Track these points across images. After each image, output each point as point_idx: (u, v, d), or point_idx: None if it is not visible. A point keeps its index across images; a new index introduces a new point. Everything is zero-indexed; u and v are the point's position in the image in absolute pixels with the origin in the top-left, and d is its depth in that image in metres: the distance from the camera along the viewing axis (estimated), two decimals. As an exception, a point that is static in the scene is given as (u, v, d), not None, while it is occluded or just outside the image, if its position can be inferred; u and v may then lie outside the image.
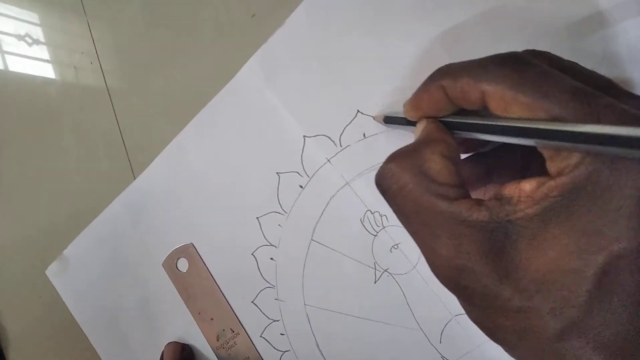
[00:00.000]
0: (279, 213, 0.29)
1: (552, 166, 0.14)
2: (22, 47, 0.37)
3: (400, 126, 0.22)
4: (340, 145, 0.27)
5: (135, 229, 0.32)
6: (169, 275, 0.32)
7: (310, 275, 0.29)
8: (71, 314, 0.34)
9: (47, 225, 0.37)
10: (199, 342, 0.32)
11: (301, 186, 0.28)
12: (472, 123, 0.17)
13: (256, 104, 0.29)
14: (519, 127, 0.15)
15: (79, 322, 0.34)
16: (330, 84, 0.27)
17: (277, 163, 0.29)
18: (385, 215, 0.27)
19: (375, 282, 0.27)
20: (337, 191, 0.27)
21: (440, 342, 0.26)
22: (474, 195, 0.17)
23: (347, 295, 0.28)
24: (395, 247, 0.27)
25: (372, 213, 0.27)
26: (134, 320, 0.33)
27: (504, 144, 0.18)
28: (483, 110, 0.17)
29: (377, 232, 0.27)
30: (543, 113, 0.14)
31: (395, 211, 0.17)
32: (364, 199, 0.27)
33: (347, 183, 0.27)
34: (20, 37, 0.37)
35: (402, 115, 0.21)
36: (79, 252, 0.34)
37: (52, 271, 0.35)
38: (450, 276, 0.16)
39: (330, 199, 0.28)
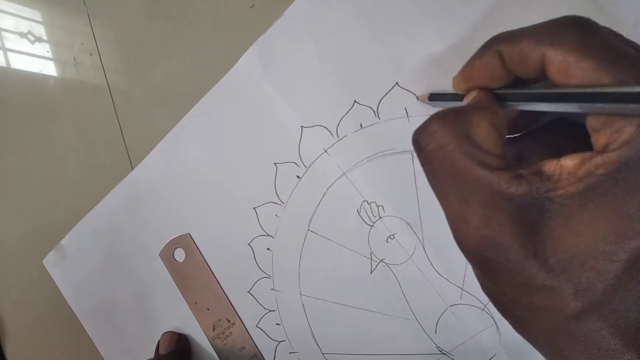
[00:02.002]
0: (276, 203, 0.29)
1: (599, 140, 0.14)
2: (23, 43, 0.37)
3: (446, 103, 0.22)
4: (337, 136, 0.27)
5: (133, 219, 0.32)
6: (165, 266, 0.32)
7: (307, 265, 0.29)
8: (68, 304, 0.34)
9: (46, 217, 0.37)
10: (195, 331, 0.32)
11: (298, 177, 0.28)
12: (526, 92, 0.17)
13: (254, 95, 0.29)
14: (581, 92, 0.14)
15: (75, 311, 0.34)
16: (327, 74, 0.27)
17: (275, 153, 0.29)
18: (381, 206, 0.27)
19: (371, 273, 0.27)
20: (334, 181, 0.28)
21: (436, 332, 0.26)
22: None
23: (343, 286, 0.28)
24: (392, 237, 0.27)
25: (368, 204, 0.27)
26: (130, 310, 0.33)
27: (542, 126, 0.17)
28: (535, 83, 0.16)
29: (374, 223, 0.27)
30: (609, 78, 0.13)
31: (427, 171, 0.17)
32: (360, 190, 0.27)
33: (344, 173, 0.27)
34: (22, 35, 0.37)
35: (450, 91, 0.21)
36: (76, 242, 0.34)
37: (49, 261, 0.35)
38: (476, 246, 0.15)
39: (327, 189, 0.28)
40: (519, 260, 0.14)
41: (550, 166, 0.14)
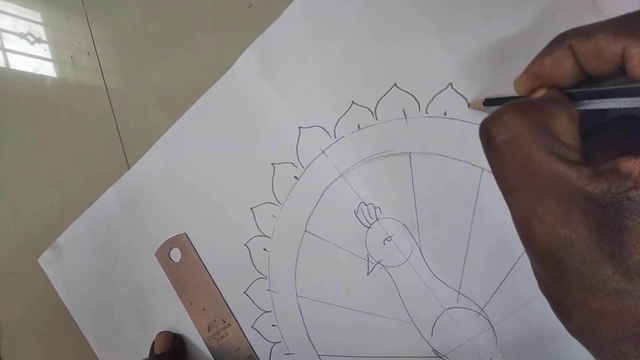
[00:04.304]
0: (273, 204, 0.29)
1: None
2: (23, 43, 0.37)
3: None
4: (335, 137, 0.27)
5: (129, 219, 0.32)
6: (161, 265, 0.32)
7: (303, 266, 0.29)
8: (63, 303, 0.34)
9: (42, 215, 0.37)
10: (190, 332, 0.31)
11: (296, 177, 0.28)
12: (602, 89, 0.16)
13: (252, 95, 0.29)
14: None
15: (70, 310, 0.34)
16: (325, 75, 0.27)
17: (272, 154, 0.29)
18: (378, 208, 0.27)
19: (367, 274, 0.27)
20: (332, 182, 0.27)
21: (432, 335, 0.26)
22: None
23: (340, 287, 0.28)
24: (389, 239, 0.26)
25: (365, 205, 0.27)
26: (125, 310, 0.33)
27: (605, 124, 0.17)
28: (602, 81, 0.16)
29: (371, 224, 0.27)
30: None
31: (496, 163, 0.16)
32: (358, 191, 0.27)
33: (342, 174, 0.27)
34: (22, 36, 0.37)
35: (508, 95, 0.19)
36: (72, 241, 0.34)
37: (44, 259, 0.35)
38: (548, 245, 0.14)
39: (325, 190, 0.28)
40: (593, 262, 0.13)
41: (628, 164, 0.13)
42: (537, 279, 0.16)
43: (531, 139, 0.15)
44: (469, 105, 0.24)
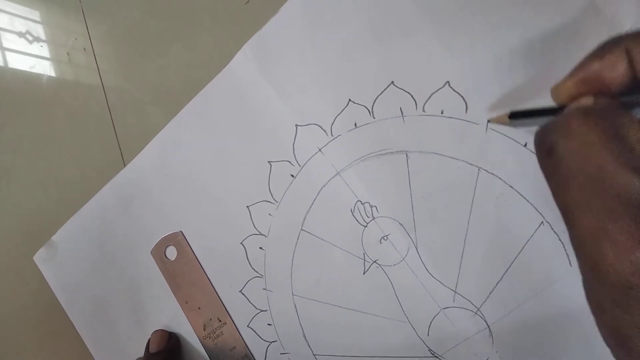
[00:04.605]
0: (269, 202, 0.29)
1: None
2: (21, 42, 0.37)
3: (536, 119, 0.19)
4: (332, 135, 0.27)
5: (125, 216, 0.32)
6: (157, 263, 0.31)
7: (299, 265, 0.28)
8: (58, 301, 0.34)
9: (37, 213, 0.36)
10: (186, 330, 0.31)
11: (292, 175, 0.28)
12: None
13: (249, 92, 0.28)
14: None
15: (65, 308, 0.34)
16: (322, 72, 0.27)
17: (269, 152, 0.28)
18: (375, 206, 0.26)
19: (364, 273, 0.27)
20: (328, 181, 0.27)
21: (428, 335, 0.26)
22: None
23: (336, 286, 0.28)
24: (385, 238, 0.26)
25: (362, 204, 0.27)
26: (120, 308, 0.33)
27: None
28: None
29: (367, 223, 0.27)
30: None
31: (557, 175, 0.14)
32: (354, 190, 0.27)
33: (338, 173, 0.27)
34: (21, 34, 0.37)
35: (539, 107, 0.18)
36: (67, 239, 0.34)
37: (39, 257, 0.34)
38: (619, 269, 0.13)
39: (321, 188, 0.27)
40: None
41: None
42: (591, 302, 0.14)
43: (604, 148, 0.13)
44: (489, 121, 0.23)
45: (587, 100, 0.16)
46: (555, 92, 0.17)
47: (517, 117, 0.20)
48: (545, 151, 0.15)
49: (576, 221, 0.14)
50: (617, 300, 0.13)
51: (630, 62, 0.15)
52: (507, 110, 0.21)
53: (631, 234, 0.13)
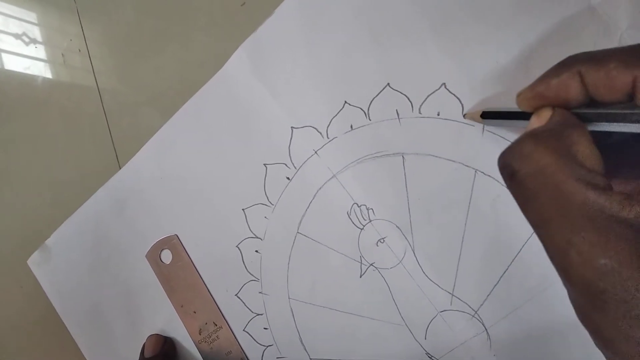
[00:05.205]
0: (265, 205, 0.28)
1: None
2: (17, 44, 0.37)
3: (505, 121, 0.21)
4: (328, 137, 0.27)
5: (119, 220, 0.32)
6: (152, 267, 0.31)
7: (296, 268, 0.28)
8: (52, 305, 0.34)
9: (31, 216, 0.36)
10: (181, 335, 0.31)
11: (288, 178, 0.28)
12: (612, 113, 0.16)
13: (244, 94, 0.28)
14: None
15: (59, 312, 0.33)
16: (318, 74, 0.26)
17: (265, 154, 0.28)
18: (371, 209, 0.26)
19: (360, 277, 0.27)
20: (324, 183, 0.27)
21: (425, 338, 0.26)
22: None
23: (332, 289, 0.27)
24: (382, 241, 0.26)
25: (358, 206, 0.26)
26: (115, 312, 0.32)
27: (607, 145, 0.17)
28: (614, 104, 0.16)
29: (364, 226, 0.26)
30: None
31: (522, 197, 0.15)
32: (350, 192, 0.27)
33: (334, 175, 0.27)
34: (17, 36, 0.36)
35: (506, 109, 0.20)
36: (62, 242, 0.33)
37: (33, 261, 0.34)
38: (588, 276, 0.14)
39: (317, 191, 0.27)
40: (638, 290, 0.13)
41: None
42: (575, 310, 0.15)
43: (557, 168, 0.14)
44: (464, 116, 0.24)
45: (545, 112, 0.17)
46: (518, 100, 0.18)
47: (489, 117, 0.22)
48: (508, 175, 0.16)
49: (544, 236, 0.15)
50: (593, 304, 0.14)
51: (583, 82, 0.16)
52: (481, 109, 0.22)
53: (594, 244, 0.13)
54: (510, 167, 0.16)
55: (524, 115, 0.19)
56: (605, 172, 0.17)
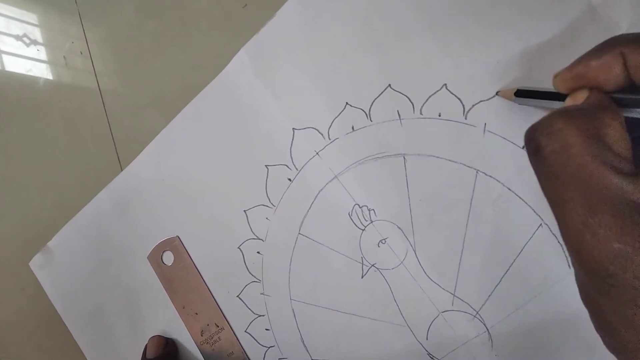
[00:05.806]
0: (266, 206, 0.29)
1: None
2: (18, 45, 0.37)
3: (539, 101, 0.20)
4: (329, 138, 0.27)
5: (121, 221, 0.32)
6: (154, 269, 0.31)
7: (297, 269, 0.28)
8: (54, 307, 0.34)
9: (33, 218, 0.36)
10: (183, 336, 0.31)
11: (289, 179, 0.28)
12: None
13: (246, 96, 0.28)
14: None
15: (61, 314, 0.34)
16: (319, 76, 0.26)
17: (266, 156, 0.28)
18: (373, 210, 0.26)
19: (362, 277, 0.27)
20: (326, 184, 0.27)
21: (427, 339, 0.26)
22: None
23: (334, 290, 0.28)
24: (383, 241, 0.26)
25: (360, 207, 0.27)
26: (117, 314, 0.32)
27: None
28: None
29: (365, 227, 0.26)
30: None
31: (544, 173, 0.15)
32: (352, 193, 0.27)
33: (336, 176, 0.27)
34: (18, 38, 0.37)
35: (543, 89, 0.19)
36: (64, 244, 0.33)
37: (35, 263, 0.34)
38: (598, 258, 0.14)
39: (319, 192, 0.27)
40: None
41: None
42: (580, 291, 0.15)
43: (583, 149, 0.14)
44: (497, 93, 0.23)
45: (582, 94, 0.17)
46: (555, 81, 0.18)
47: (523, 95, 0.21)
48: (532, 150, 0.16)
49: (561, 215, 0.15)
50: (599, 287, 0.14)
51: (625, 64, 0.15)
52: (515, 87, 0.22)
53: (610, 227, 0.13)
54: (536, 142, 0.15)
55: (558, 97, 0.18)
56: (636, 162, 0.16)
